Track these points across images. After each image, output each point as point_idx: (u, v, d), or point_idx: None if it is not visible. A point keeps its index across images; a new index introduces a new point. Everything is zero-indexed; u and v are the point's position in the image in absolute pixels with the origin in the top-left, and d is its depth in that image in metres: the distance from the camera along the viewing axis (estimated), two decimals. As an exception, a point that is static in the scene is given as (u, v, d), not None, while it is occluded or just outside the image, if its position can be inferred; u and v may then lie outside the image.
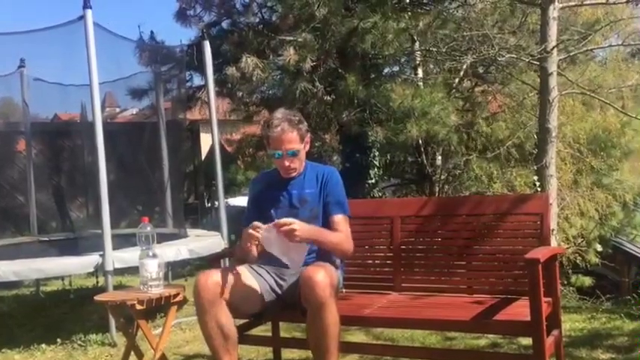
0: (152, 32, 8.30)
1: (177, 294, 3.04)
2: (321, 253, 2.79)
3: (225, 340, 2.61)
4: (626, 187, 8.42)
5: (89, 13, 4.30)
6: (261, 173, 3.24)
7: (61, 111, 9.07)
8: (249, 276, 2.77)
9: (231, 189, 9.85)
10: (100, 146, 4.28)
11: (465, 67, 7.58)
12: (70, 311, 5.27)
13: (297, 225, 2.57)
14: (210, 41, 5.72)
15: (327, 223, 2.83)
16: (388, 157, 9.06)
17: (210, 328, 2.60)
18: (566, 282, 6.87)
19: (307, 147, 2.89)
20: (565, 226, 7.45)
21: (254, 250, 2.69)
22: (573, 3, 6.51)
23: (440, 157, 8.84)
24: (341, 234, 2.81)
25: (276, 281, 2.82)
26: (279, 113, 2.84)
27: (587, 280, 7.64)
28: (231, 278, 2.67)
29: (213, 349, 2.65)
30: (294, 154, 2.81)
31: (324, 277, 2.49)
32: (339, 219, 2.84)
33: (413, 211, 3.26)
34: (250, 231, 2.61)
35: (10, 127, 7.55)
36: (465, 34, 7.06)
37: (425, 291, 3.08)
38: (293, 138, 2.78)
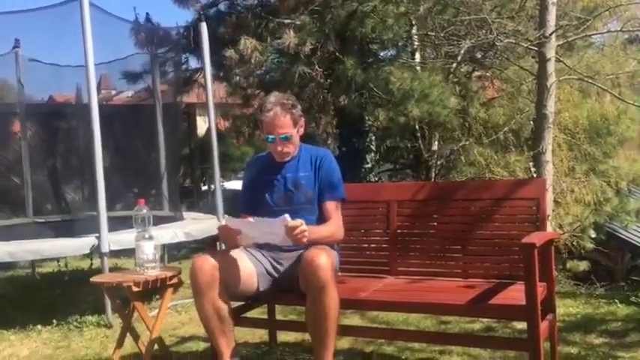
0: (147, 14, 8.24)
1: (174, 276, 3.04)
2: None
3: (221, 322, 2.62)
4: (622, 174, 8.43)
5: (85, -8, 4.25)
6: (254, 157, 3.23)
7: (56, 92, 9.01)
8: (246, 259, 2.77)
9: (227, 166, 9.80)
10: (96, 128, 4.26)
11: (462, 51, 7.54)
12: (66, 293, 5.27)
13: (307, 228, 2.56)
14: (208, 23, 5.67)
15: (319, 209, 2.84)
16: (385, 142, 9.04)
17: (206, 311, 2.61)
18: (560, 267, 6.91)
19: (301, 131, 2.88)
20: (561, 212, 7.47)
21: (242, 242, 2.71)
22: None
23: (436, 143, 8.83)
24: (332, 224, 2.81)
25: (272, 264, 2.83)
26: (273, 97, 2.83)
27: (582, 266, 7.67)
28: (227, 261, 2.68)
29: (210, 331, 2.66)
30: (287, 139, 2.80)
31: (326, 260, 2.49)
32: (331, 206, 2.84)
33: (409, 196, 3.26)
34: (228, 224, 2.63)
35: (5, 109, 7.50)
36: (463, 18, 7.02)
37: (420, 275, 3.09)
38: (286, 122, 2.77)
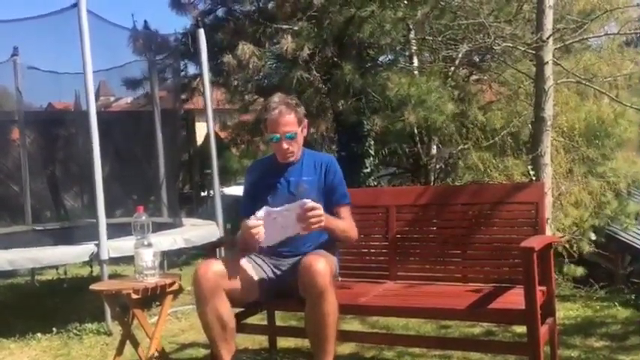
0: (145, 21, 8.25)
1: (173, 283, 3.03)
2: (319, 240, 2.80)
3: (223, 329, 2.61)
4: (620, 176, 8.44)
5: (83, 0, 4.26)
6: (256, 161, 3.22)
7: (55, 100, 9.03)
8: (247, 265, 2.77)
9: (226, 177, 9.81)
10: (95, 135, 4.26)
11: (460, 55, 7.56)
12: (65, 300, 5.26)
13: (322, 212, 2.56)
14: (205, 30, 5.68)
15: (331, 214, 2.83)
16: (384, 146, 9.05)
17: (209, 318, 2.60)
18: (560, 271, 6.90)
19: (305, 132, 2.88)
20: (560, 215, 7.47)
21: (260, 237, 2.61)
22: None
23: (435, 147, 8.84)
24: (348, 222, 2.82)
25: (272, 271, 2.82)
26: (277, 97, 2.83)
27: (581, 269, 7.66)
28: (230, 268, 2.67)
29: (211, 338, 2.65)
30: (292, 138, 2.79)
31: (324, 266, 2.49)
32: (345, 209, 2.84)
33: (408, 200, 3.27)
34: (250, 224, 2.56)
35: (4, 116, 7.50)
36: (460, 22, 7.04)
37: (420, 280, 3.10)
38: (290, 121, 2.77)
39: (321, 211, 2.55)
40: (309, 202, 2.54)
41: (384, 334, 3.61)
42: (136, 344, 3.15)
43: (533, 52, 5.75)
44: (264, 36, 7.29)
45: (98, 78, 6.24)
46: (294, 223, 2.56)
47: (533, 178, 5.68)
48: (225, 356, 2.63)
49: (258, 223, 2.57)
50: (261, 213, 2.60)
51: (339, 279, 2.99)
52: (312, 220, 2.53)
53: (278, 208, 2.61)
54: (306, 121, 2.88)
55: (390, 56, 8.45)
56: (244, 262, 2.77)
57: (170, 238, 4.59)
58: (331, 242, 2.85)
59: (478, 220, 3.08)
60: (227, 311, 2.62)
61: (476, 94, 8.70)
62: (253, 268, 2.78)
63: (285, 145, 2.79)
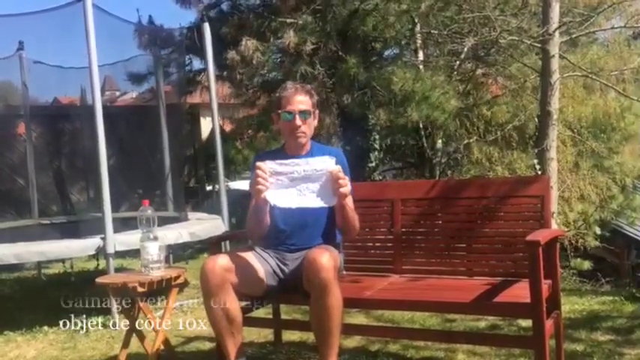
0: (150, 16, 8.27)
1: (179, 276, 3.04)
2: (324, 234, 2.81)
3: (230, 323, 2.61)
4: (626, 170, 8.42)
5: (88, -6, 4.27)
6: (262, 153, 3.19)
7: (60, 94, 9.04)
8: (254, 259, 2.77)
9: (228, 167, 9.81)
10: (100, 130, 4.27)
11: (465, 49, 7.53)
12: (72, 294, 5.28)
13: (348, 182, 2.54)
14: (210, 24, 5.68)
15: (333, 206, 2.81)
16: (389, 140, 9.05)
17: (216, 313, 2.60)
18: (566, 265, 6.89)
19: (316, 120, 2.87)
20: (565, 209, 7.46)
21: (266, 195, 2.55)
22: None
23: (440, 141, 8.83)
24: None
25: (278, 265, 2.83)
26: (291, 82, 2.88)
27: (587, 263, 7.65)
28: (236, 262, 2.67)
29: (218, 332, 2.65)
30: (306, 117, 2.76)
31: (328, 259, 2.49)
32: (351, 202, 2.83)
33: (414, 194, 3.26)
34: (259, 171, 2.54)
35: (10, 111, 7.53)
36: (466, 16, 7.01)
37: (425, 273, 3.09)
38: (305, 100, 2.78)
39: (347, 181, 2.52)
40: (337, 167, 2.51)
41: (389, 327, 3.61)
42: (141, 337, 3.16)
43: (540, 45, 5.73)
44: (268, 30, 7.29)
45: (103, 72, 6.24)
46: (320, 191, 2.51)
47: (539, 172, 5.67)
48: (231, 350, 2.64)
49: (270, 169, 2.54)
50: (273, 165, 2.55)
51: (344, 272, 2.99)
52: (341, 182, 2.50)
53: (296, 165, 2.54)
54: (317, 111, 2.87)
55: (394, 50, 8.43)
56: (250, 257, 2.78)
57: (175, 232, 4.60)
58: (335, 238, 2.85)
59: (483, 213, 3.07)
60: (234, 306, 2.62)
61: (481, 88, 8.68)
62: (259, 262, 2.79)
63: (298, 122, 2.75)
